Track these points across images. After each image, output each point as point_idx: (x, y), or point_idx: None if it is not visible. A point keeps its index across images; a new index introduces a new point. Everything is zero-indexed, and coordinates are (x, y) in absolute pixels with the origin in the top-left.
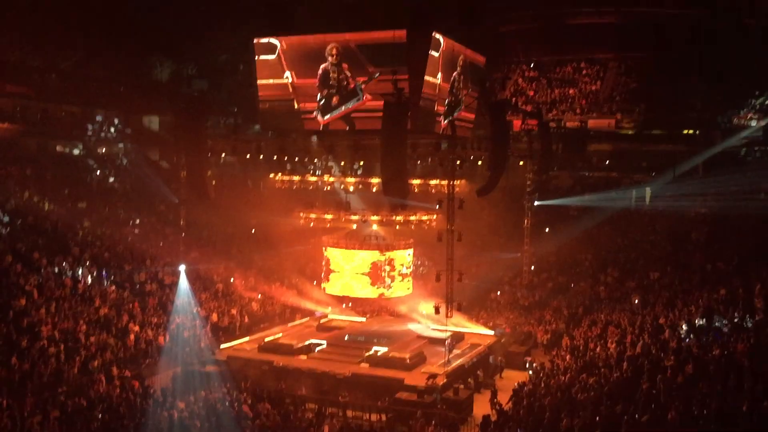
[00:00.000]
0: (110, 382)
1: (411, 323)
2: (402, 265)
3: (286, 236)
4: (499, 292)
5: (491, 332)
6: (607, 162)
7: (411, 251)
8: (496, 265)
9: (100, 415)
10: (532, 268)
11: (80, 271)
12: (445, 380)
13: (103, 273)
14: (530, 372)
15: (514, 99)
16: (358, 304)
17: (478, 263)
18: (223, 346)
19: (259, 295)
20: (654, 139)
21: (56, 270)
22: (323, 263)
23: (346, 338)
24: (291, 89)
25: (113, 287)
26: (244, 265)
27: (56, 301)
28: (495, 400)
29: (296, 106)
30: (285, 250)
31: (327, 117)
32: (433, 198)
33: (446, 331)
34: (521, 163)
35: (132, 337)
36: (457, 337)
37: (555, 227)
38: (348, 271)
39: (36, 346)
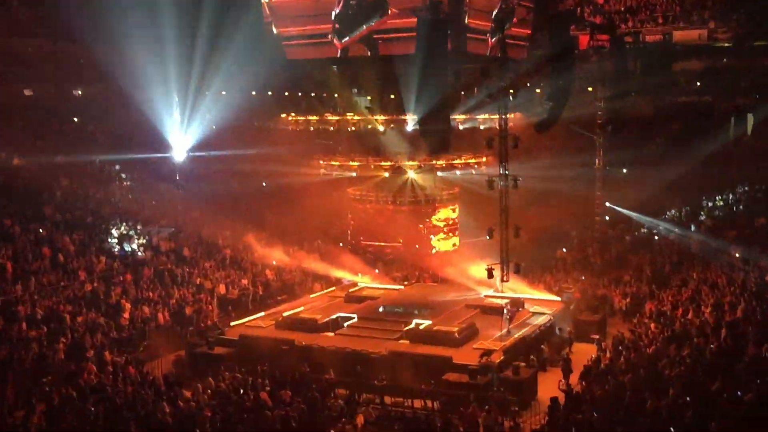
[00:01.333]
0: (102, 369)
1: (459, 290)
2: (446, 218)
3: (304, 190)
4: (565, 249)
5: (557, 298)
6: (698, 84)
7: (456, 205)
8: (562, 215)
9: (92, 408)
10: (607, 218)
11: (60, 239)
12: (502, 357)
13: (88, 240)
14: (599, 350)
15: (579, 9)
16: (393, 269)
17: (539, 214)
18: (233, 323)
19: (275, 262)
20: (756, 52)
21: (32, 238)
22: (349, 218)
23: (380, 310)
24: (267, 10)
25: (101, 257)
26: (254, 226)
27: (34, 275)
28: (564, 379)
29: (275, 31)
30: (303, 207)
31: (345, 39)
32: (481, 137)
33: (502, 298)
34: (590, 89)
35: (125, 315)
36: (516, 305)
37: (633, 167)
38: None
39: (14, 329)
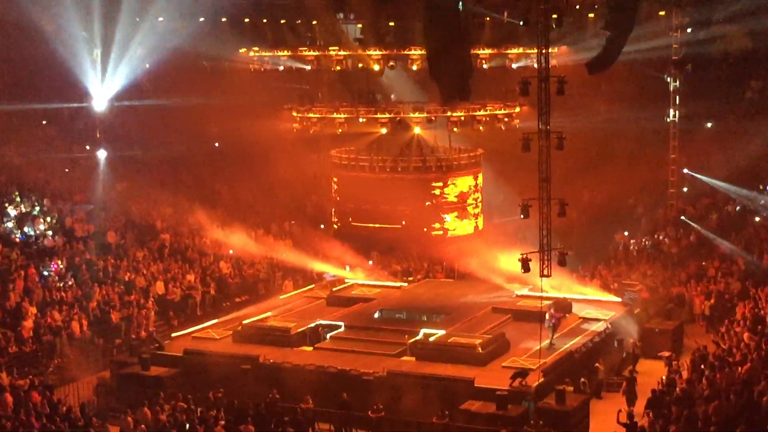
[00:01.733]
0: None
1: (483, 288)
2: (464, 192)
3: (272, 152)
4: (627, 233)
5: (617, 299)
6: None
7: (479, 173)
8: (624, 187)
9: None
10: (685, 190)
11: None
12: (541, 379)
13: None
14: (670, 371)
15: None
16: (393, 261)
17: (593, 185)
18: (176, 334)
19: (232, 251)
20: None
21: None
22: (333, 191)
23: (376, 315)
24: None
25: None
26: (204, 202)
27: None
28: (626, 409)
29: None
30: (271, 176)
31: None
32: (512, 80)
33: (542, 299)
34: (661, 13)
35: (28, 324)
36: (561, 309)
37: (722, 121)
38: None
39: None
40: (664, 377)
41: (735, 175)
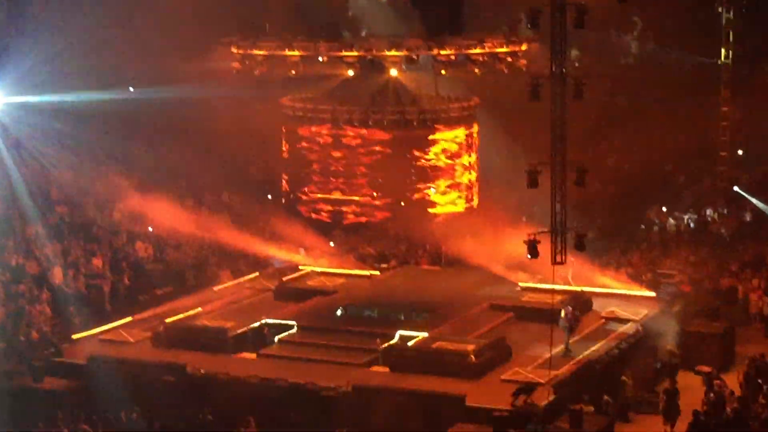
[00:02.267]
0: None
1: (478, 278)
2: (456, 150)
3: (204, 102)
4: (665, 208)
5: (651, 293)
6: None
7: (473, 128)
8: (660, 148)
9: None
10: (740, 153)
11: None
12: (552, 397)
13: None
14: (709, 389)
15: None
16: (362, 242)
17: (620, 146)
18: (78, 335)
19: (151, 228)
20: None
21: None
22: (284, 151)
23: (339, 313)
24: None
25: None
26: (115, 163)
27: None
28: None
29: None
30: (202, 132)
31: None
32: (519, 6)
33: (554, 292)
34: None
35: None
36: (579, 306)
37: None
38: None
39: None
40: (711, 395)
41: None
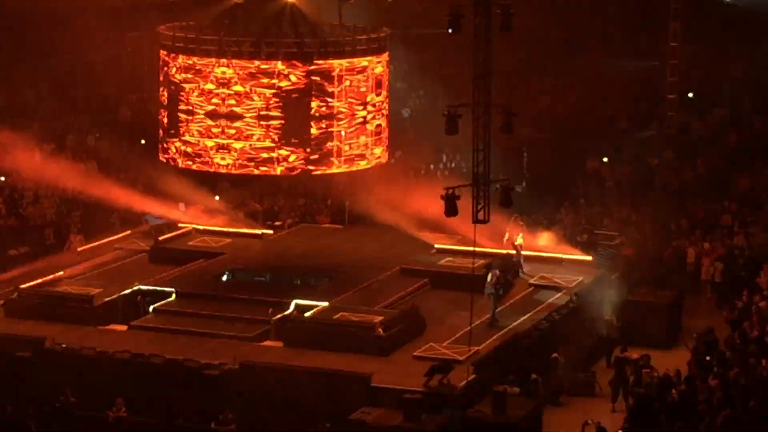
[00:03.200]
0: None
1: (387, 238)
2: (361, 94)
3: (68, 25)
4: (605, 159)
5: (586, 257)
6: None
7: (382, 64)
8: (598, 89)
9: None
10: (690, 95)
11: None
12: (472, 376)
13: None
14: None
15: None
16: (251, 196)
17: (553, 88)
18: None
19: (3, 177)
20: None
21: None
22: (161, 89)
23: (225, 278)
24: None
25: None
26: None
27: None
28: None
29: None
30: (66, 63)
31: None
32: None
33: (476, 254)
34: None
35: None
36: (506, 270)
37: None
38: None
39: None
40: (656, 374)
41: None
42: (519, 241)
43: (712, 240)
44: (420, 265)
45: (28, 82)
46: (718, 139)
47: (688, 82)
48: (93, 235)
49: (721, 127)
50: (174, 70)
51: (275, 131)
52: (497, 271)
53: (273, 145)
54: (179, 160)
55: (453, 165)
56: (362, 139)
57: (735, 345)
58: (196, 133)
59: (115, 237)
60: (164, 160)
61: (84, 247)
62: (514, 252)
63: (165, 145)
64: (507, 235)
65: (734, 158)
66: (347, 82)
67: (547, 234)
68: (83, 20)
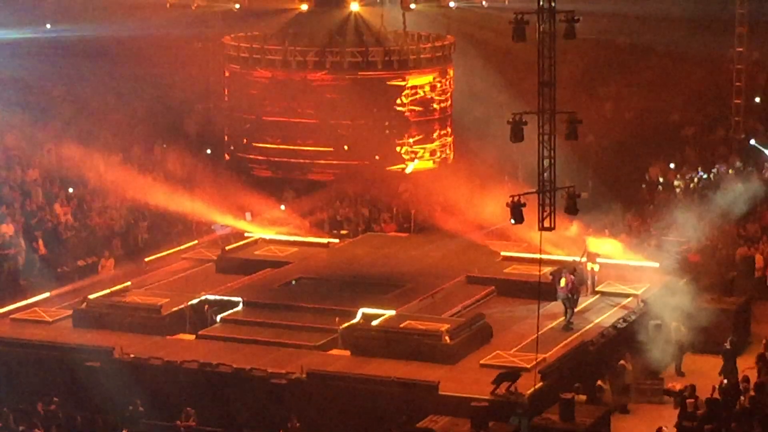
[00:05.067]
0: None
1: (453, 247)
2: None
3: (135, 38)
4: (673, 165)
5: (654, 264)
6: None
7: (448, 72)
8: (663, 96)
9: None
10: (757, 100)
11: None
12: (540, 384)
13: None
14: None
15: None
16: (318, 206)
17: (618, 95)
18: None
19: (72, 189)
20: None
21: None
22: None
23: (292, 287)
24: None
25: None
26: (26, 108)
27: None
28: (665, 428)
29: None
30: (133, 74)
31: None
32: None
33: (541, 263)
34: None
35: None
36: (573, 277)
37: None
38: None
39: None
40: (724, 381)
41: None
42: (595, 267)
43: None
44: (486, 273)
45: (95, 93)
46: None
47: (754, 87)
48: (159, 245)
49: None
50: (239, 80)
51: (340, 139)
52: (570, 276)
53: (337, 152)
54: (247, 168)
55: (518, 172)
56: (429, 147)
57: None
58: (266, 137)
59: (183, 247)
60: (231, 169)
61: (152, 257)
62: (583, 261)
63: (231, 155)
64: (584, 256)
65: None
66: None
67: (614, 240)
68: (148, 32)
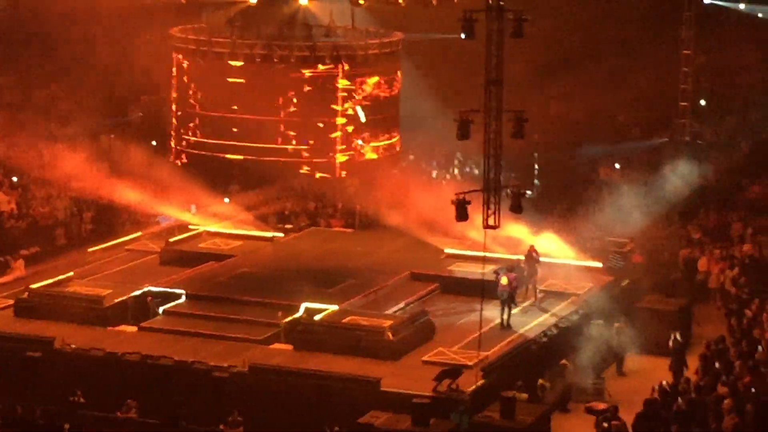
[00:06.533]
0: None
1: (397, 243)
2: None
3: (81, 26)
4: (617, 165)
5: (597, 264)
6: None
7: (396, 69)
8: (610, 96)
9: None
10: (703, 103)
11: None
12: (481, 382)
13: None
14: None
15: None
16: (263, 199)
17: (565, 94)
18: None
19: (15, 178)
20: None
21: None
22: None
23: (235, 281)
24: None
25: None
26: None
27: None
28: (605, 418)
29: None
30: (79, 64)
31: None
32: None
33: (485, 260)
34: None
35: None
36: (516, 276)
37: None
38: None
39: None
40: (664, 381)
41: None
42: (539, 267)
43: (723, 248)
44: (430, 270)
45: (41, 82)
46: (731, 147)
47: (700, 90)
48: (102, 236)
49: (732, 136)
50: (186, 72)
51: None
52: (512, 274)
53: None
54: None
55: (466, 170)
56: (373, 143)
57: (744, 353)
58: (210, 134)
59: (126, 238)
60: (176, 161)
61: (95, 248)
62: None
63: (177, 147)
64: (528, 256)
65: (746, 167)
66: (365, 87)
67: (558, 240)
68: (94, 21)
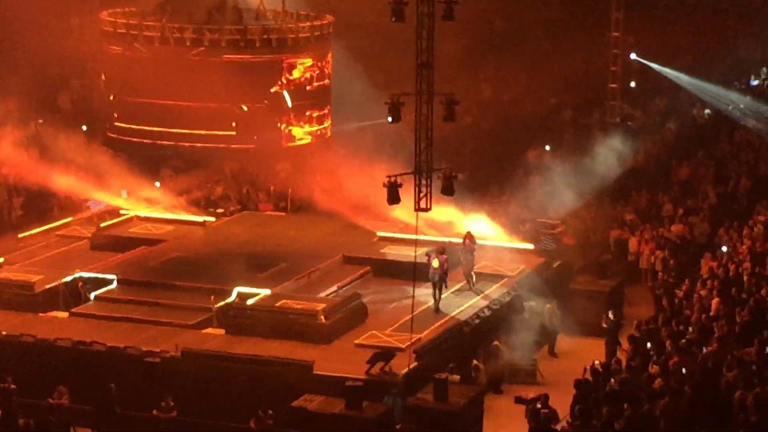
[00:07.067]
0: None
1: (329, 226)
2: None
3: (7, 10)
4: (549, 147)
5: (528, 245)
6: None
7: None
8: (541, 79)
9: None
10: (633, 85)
11: None
12: (414, 364)
13: None
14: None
15: None
16: (194, 184)
17: (496, 77)
18: None
19: None
20: None
21: None
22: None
23: (167, 266)
24: None
25: None
26: None
27: None
28: (536, 406)
29: None
30: (5, 48)
31: None
32: None
33: (417, 243)
34: None
35: None
36: (445, 257)
37: None
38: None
39: None
40: (596, 362)
41: (705, 66)
42: (472, 250)
43: (653, 229)
44: (362, 253)
45: None
46: (659, 128)
47: (630, 72)
48: (33, 222)
49: (662, 117)
50: (116, 57)
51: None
52: (443, 256)
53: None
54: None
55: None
56: (305, 126)
57: (675, 334)
58: (140, 119)
59: (56, 224)
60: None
61: (25, 234)
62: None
63: (107, 131)
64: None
65: (674, 148)
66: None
67: (489, 221)
68: (26, 4)
